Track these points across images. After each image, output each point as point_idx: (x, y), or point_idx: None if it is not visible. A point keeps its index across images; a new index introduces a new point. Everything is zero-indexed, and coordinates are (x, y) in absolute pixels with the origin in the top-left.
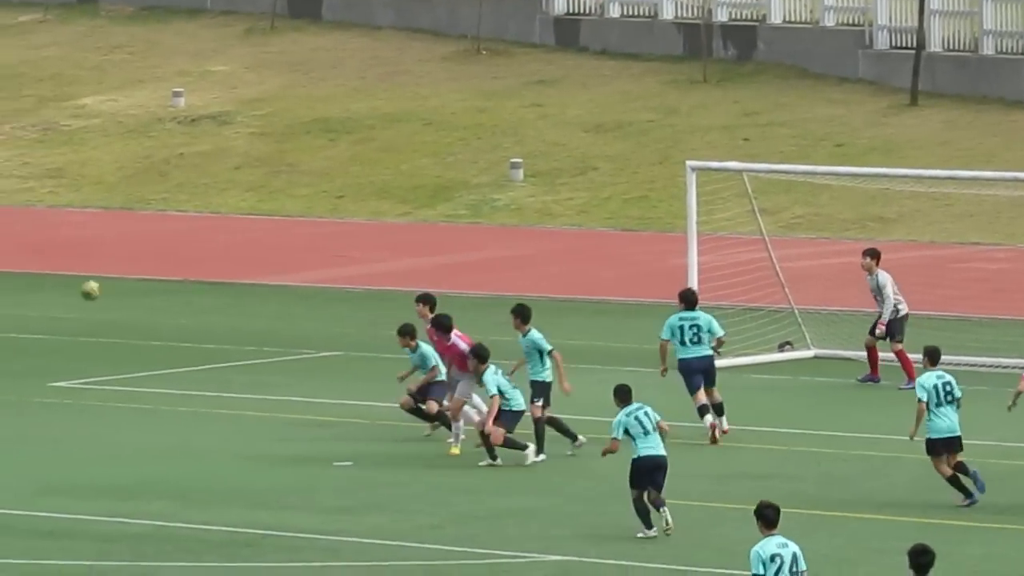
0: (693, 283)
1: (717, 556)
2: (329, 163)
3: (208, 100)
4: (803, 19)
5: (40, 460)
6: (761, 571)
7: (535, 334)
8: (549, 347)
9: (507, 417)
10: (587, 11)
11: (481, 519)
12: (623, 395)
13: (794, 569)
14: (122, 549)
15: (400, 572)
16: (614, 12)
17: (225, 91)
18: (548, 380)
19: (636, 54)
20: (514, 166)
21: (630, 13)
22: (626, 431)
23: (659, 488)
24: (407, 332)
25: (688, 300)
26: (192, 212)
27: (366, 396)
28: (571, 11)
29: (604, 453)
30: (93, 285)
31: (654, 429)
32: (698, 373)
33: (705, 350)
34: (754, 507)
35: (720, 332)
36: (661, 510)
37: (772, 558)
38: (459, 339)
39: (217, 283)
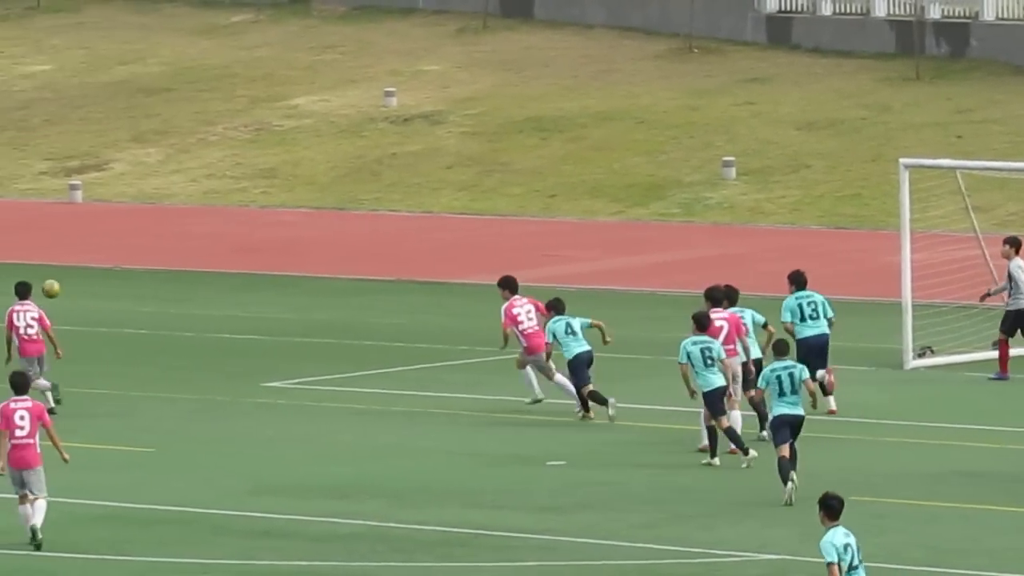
0: (906, 281)
1: (930, 555)
2: (541, 162)
3: (420, 99)
4: (1017, 15)
5: (254, 460)
6: (835, 558)
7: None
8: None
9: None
10: (799, 9)
11: (694, 518)
12: (780, 350)
13: (856, 560)
14: (336, 549)
15: (614, 571)
16: (826, 10)
17: (437, 90)
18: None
19: (848, 51)
20: (726, 164)
21: (842, 11)
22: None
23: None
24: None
25: (799, 281)
26: (404, 212)
27: None
28: (783, 9)
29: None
30: (54, 285)
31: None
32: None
33: (823, 327)
34: (966, 506)
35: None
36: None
37: (844, 548)
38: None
39: (429, 282)
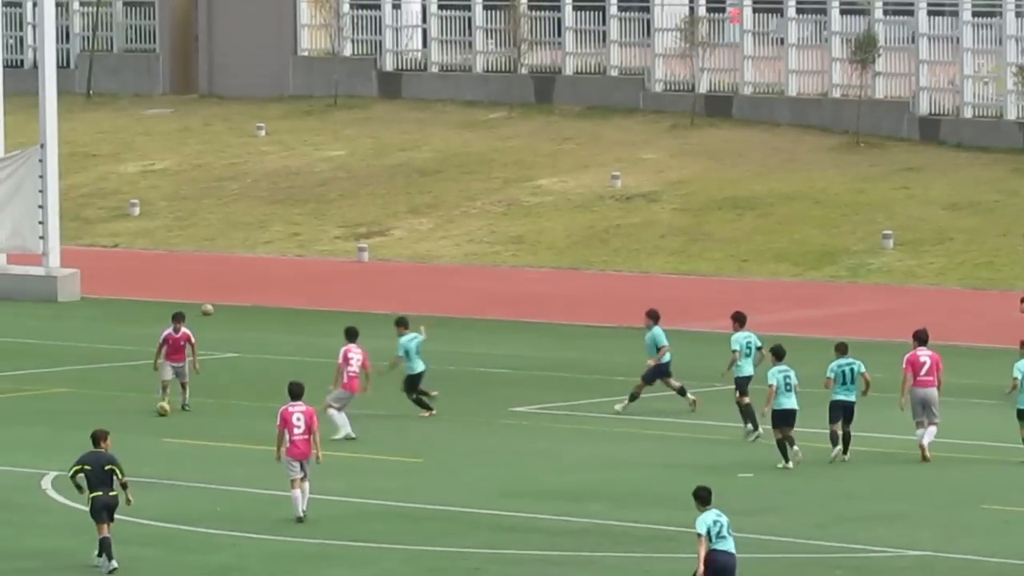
0: None
1: None
2: (737, 233)
3: (640, 181)
4: None
5: (503, 469)
6: (704, 531)
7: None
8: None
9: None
10: (946, 112)
11: (856, 520)
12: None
13: (725, 532)
14: (568, 542)
15: (791, 564)
16: (967, 113)
17: (654, 175)
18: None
19: (985, 147)
20: (885, 236)
21: (980, 114)
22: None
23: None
24: None
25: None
26: (626, 272)
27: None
28: (933, 112)
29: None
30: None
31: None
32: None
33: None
34: None
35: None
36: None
37: (714, 523)
38: None
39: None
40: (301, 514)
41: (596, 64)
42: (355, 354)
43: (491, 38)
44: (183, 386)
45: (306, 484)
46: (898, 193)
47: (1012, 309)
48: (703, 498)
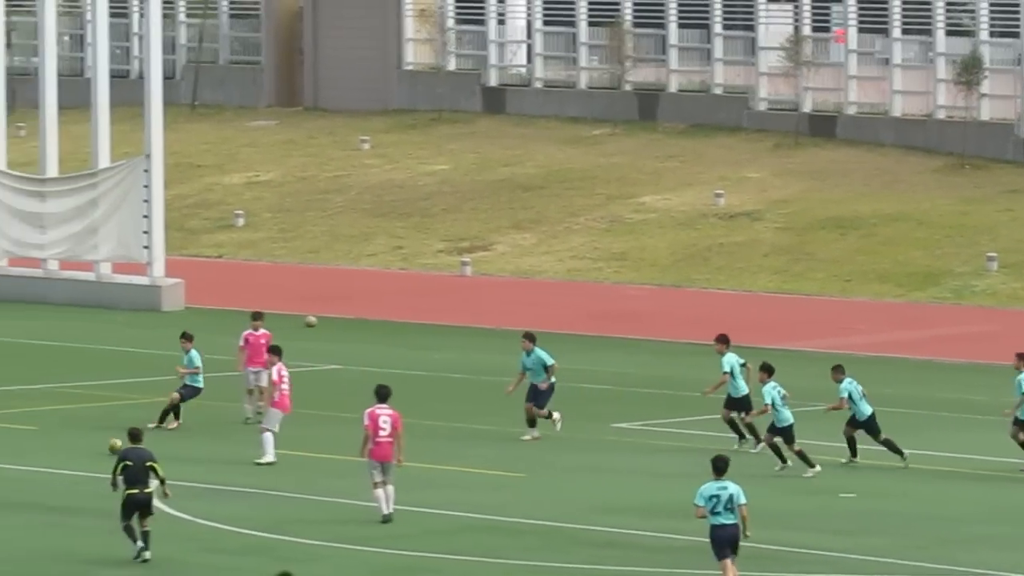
0: None
1: None
2: (840, 253)
3: (743, 200)
4: None
5: (604, 485)
6: (702, 503)
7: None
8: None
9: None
10: None
11: (958, 542)
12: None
13: (729, 505)
14: (668, 559)
15: None
16: None
17: (757, 193)
18: None
19: None
20: (990, 259)
21: None
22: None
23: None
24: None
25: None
26: (728, 290)
27: (866, 441)
28: None
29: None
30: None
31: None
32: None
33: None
34: None
35: None
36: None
37: (711, 497)
38: None
39: (750, 347)
40: (388, 512)
41: (700, 82)
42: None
43: (595, 54)
44: (260, 391)
45: (389, 487)
46: (1002, 215)
47: None
48: (719, 468)
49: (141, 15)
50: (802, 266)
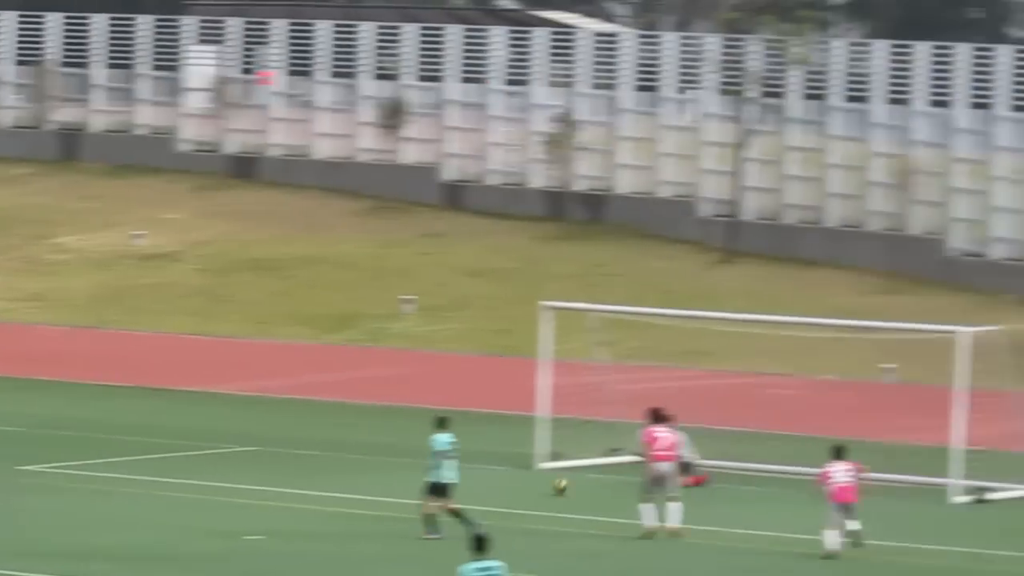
0: (546, 398)
1: None
2: (257, 295)
3: (164, 241)
4: (644, 191)
5: (9, 529)
6: None
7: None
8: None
9: None
10: (472, 179)
11: None
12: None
13: None
14: None
15: None
16: (493, 180)
17: (178, 235)
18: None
19: (508, 214)
20: (405, 301)
21: (505, 182)
22: None
23: None
24: None
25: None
26: (146, 331)
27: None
28: (458, 179)
29: None
30: (562, 483)
31: None
32: None
33: None
34: None
35: None
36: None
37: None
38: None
39: (159, 389)
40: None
41: (124, 122)
42: None
43: (20, 93)
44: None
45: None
46: (420, 258)
47: (528, 377)
48: (480, 547)
49: None
50: (220, 308)
